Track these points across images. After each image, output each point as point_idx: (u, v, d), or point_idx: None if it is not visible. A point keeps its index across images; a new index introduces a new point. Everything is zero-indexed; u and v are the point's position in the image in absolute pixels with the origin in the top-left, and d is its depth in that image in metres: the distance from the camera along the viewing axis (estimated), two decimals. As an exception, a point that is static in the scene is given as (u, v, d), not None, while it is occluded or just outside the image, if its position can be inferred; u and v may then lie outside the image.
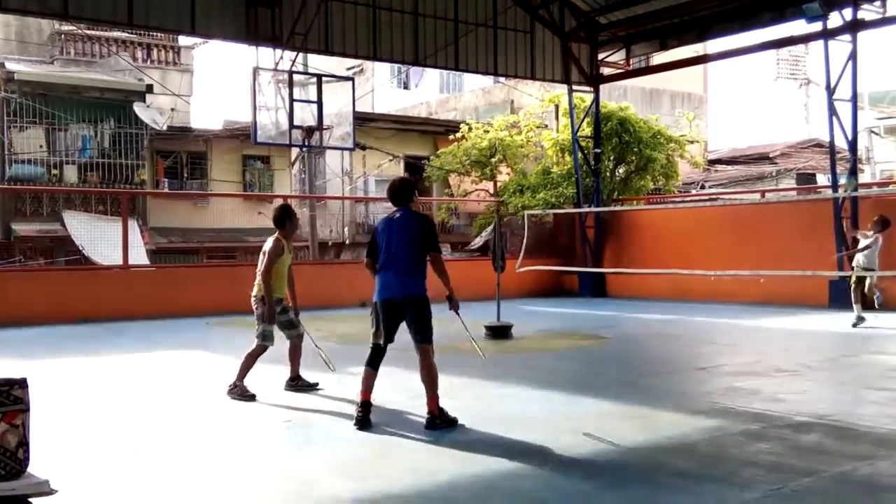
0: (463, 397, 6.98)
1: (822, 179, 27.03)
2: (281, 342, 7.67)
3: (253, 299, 7.55)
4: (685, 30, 19.05)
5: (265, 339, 7.38)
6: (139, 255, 18.85)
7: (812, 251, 15.06)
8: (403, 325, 6.16)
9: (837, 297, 14.60)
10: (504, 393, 7.48)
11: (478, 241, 22.79)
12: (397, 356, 6.69)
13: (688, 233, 18.14)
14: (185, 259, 22.56)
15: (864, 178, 26.07)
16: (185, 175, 25.29)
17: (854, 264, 12.70)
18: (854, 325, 12.07)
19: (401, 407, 6.76)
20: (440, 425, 5.87)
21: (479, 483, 4.68)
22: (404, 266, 6.08)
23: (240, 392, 7.21)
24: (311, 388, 7.55)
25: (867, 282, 12.48)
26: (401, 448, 5.53)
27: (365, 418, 5.96)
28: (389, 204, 6.46)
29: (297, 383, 7.59)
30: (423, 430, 5.87)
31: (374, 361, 6.16)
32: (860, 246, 12.52)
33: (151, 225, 23.21)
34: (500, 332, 11.43)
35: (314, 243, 22.15)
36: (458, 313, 6.49)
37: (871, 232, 12.48)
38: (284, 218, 7.48)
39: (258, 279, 7.48)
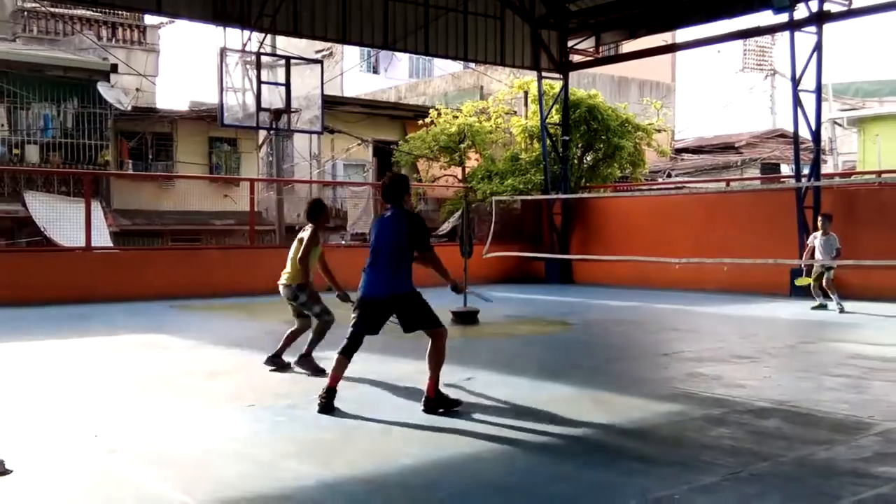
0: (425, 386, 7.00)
1: (786, 169, 27.41)
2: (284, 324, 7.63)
3: (286, 288, 7.74)
4: (654, 19, 19.14)
5: (327, 314, 7.66)
6: (102, 237, 18.59)
7: (775, 240, 15.29)
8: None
9: (804, 288, 14.84)
10: (469, 378, 7.50)
11: (445, 227, 22.79)
12: (372, 343, 6.68)
13: (654, 221, 18.31)
14: (149, 242, 22.28)
15: (827, 168, 26.44)
16: (150, 156, 24.94)
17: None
18: (840, 311, 12.61)
19: (367, 392, 6.77)
20: (437, 407, 5.94)
21: (441, 467, 4.70)
22: (388, 264, 6.13)
23: (309, 367, 7.51)
24: (284, 367, 7.72)
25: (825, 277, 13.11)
26: (364, 432, 5.54)
27: (328, 404, 5.97)
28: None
29: (275, 360, 7.77)
30: (400, 412, 5.88)
31: (349, 350, 6.19)
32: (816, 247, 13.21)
33: (115, 207, 22.87)
34: (466, 318, 11.46)
35: (281, 228, 22.02)
36: (474, 294, 6.76)
37: (821, 232, 13.08)
38: (317, 211, 7.85)
39: (288, 266, 7.73)
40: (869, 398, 6.49)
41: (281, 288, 7.77)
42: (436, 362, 6.07)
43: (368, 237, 6.37)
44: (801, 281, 13.50)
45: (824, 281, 13.07)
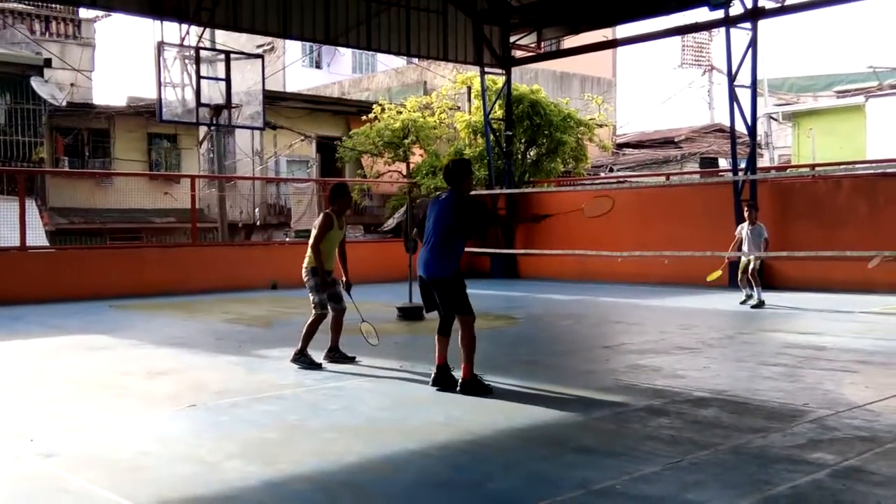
0: (375, 378, 6.99)
1: (724, 163, 27.96)
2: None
3: (304, 271, 7.85)
4: (595, 15, 19.33)
5: (322, 308, 7.67)
6: (38, 237, 18.14)
7: (713, 232, 15.59)
8: None
9: (737, 277, 15.16)
10: (415, 374, 7.51)
11: (390, 223, 22.75)
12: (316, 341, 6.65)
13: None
14: (87, 240, 21.81)
15: (763, 162, 27.05)
16: (87, 153, 24.41)
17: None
18: (753, 306, 12.67)
19: (311, 391, 6.74)
20: (472, 390, 6.31)
21: (387, 464, 4.70)
22: (435, 247, 6.47)
23: (306, 362, 7.52)
24: (348, 360, 7.83)
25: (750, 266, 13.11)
26: (309, 431, 5.50)
27: (438, 378, 6.56)
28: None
29: (334, 355, 7.85)
30: (343, 412, 5.84)
31: (443, 328, 6.68)
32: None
33: (51, 205, 22.35)
34: (411, 314, 11.46)
35: (223, 225, 21.73)
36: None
37: (747, 223, 13.04)
38: (335, 195, 7.91)
39: (308, 251, 7.80)
40: (804, 386, 6.65)
41: (302, 271, 7.87)
42: (467, 348, 6.40)
43: (424, 216, 6.68)
44: (711, 276, 13.32)
45: (750, 270, 12.99)
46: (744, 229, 13.07)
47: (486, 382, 6.48)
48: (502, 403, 6.10)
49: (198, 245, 17.93)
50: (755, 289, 12.87)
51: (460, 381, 6.40)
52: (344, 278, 7.94)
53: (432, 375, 6.64)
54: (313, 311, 7.68)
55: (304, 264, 7.85)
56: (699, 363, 7.89)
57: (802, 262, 14.85)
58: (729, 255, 13.42)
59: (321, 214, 7.91)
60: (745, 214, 13.18)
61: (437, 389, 6.49)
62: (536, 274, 19.28)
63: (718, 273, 13.33)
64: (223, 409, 6.14)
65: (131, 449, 5.06)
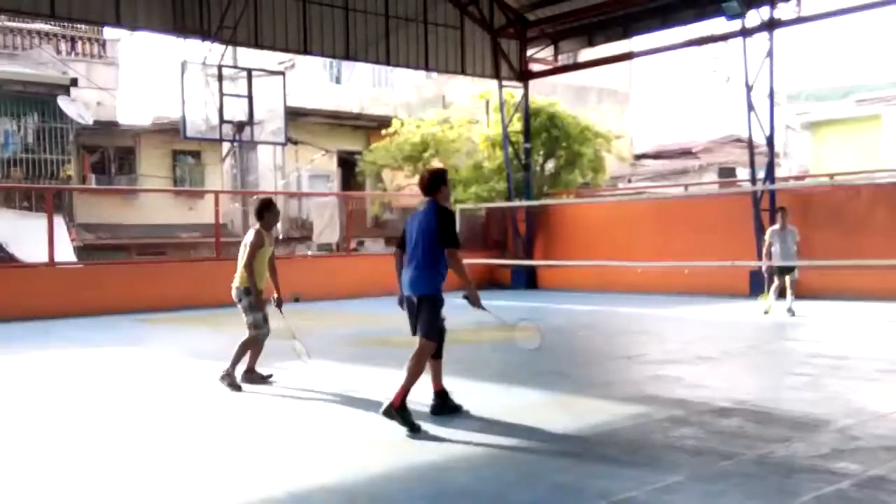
0: (394, 390, 7.07)
1: (743, 173, 27.88)
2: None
3: (234, 290, 7.60)
4: (611, 27, 19.42)
5: (257, 328, 7.50)
6: (66, 253, 18.38)
7: (733, 242, 15.58)
8: None
9: (757, 286, 15.14)
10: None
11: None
12: (340, 353, 6.75)
13: (615, 226, 18.55)
14: (113, 256, 22.07)
15: (781, 172, 26.95)
16: (113, 170, 24.72)
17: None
18: (765, 312, 12.58)
19: (333, 403, 6.82)
20: (395, 417, 5.69)
21: (409, 475, 4.76)
22: (422, 262, 6.06)
23: (229, 382, 7.34)
24: (263, 380, 7.63)
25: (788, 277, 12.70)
26: (331, 443, 5.57)
27: (440, 406, 6.16)
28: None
29: (251, 376, 7.66)
30: (366, 423, 5.90)
31: (436, 352, 6.25)
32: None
33: (78, 221, 22.63)
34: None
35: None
36: (481, 307, 6.45)
37: (778, 226, 12.81)
38: (262, 210, 7.63)
39: (240, 270, 7.56)
40: (827, 396, 6.64)
41: (232, 290, 7.64)
42: (413, 374, 5.92)
43: (404, 230, 6.25)
44: (766, 308, 12.76)
45: (788, 282, 12.64)
46: (775, 234, 12.79)
47: (415, 422, 5.74)
48: (523, 414, 6.14)
49: (222, 259, 18.09)
50: (781, 296, 12.60)
51: (387, 403, 5.72)
52: (275, 294, 7.73)
53: (432, 404, 6.18)
54: (248, 332, 7.49)
55: (235, 283, 7.56)
56: (721, 373, 7.91)
57: (823, 271, 14.81)
58: (766, 265, 13.20)
59: (252, 231, 7.56)
60: (778, 216, 12.93)
61: (382, 413, 5.75)
62: (556, 285, 19.30)
63: (769, 304, 12.76)
64: (244, 420, 6.23)
65: (148, 459, 5.16)
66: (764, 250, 13.15)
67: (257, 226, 7.60)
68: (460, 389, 7.31)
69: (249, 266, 7.43)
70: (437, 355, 6.24)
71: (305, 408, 6.72)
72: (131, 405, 6.98)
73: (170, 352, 10.27)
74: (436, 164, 23.51)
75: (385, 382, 7.01)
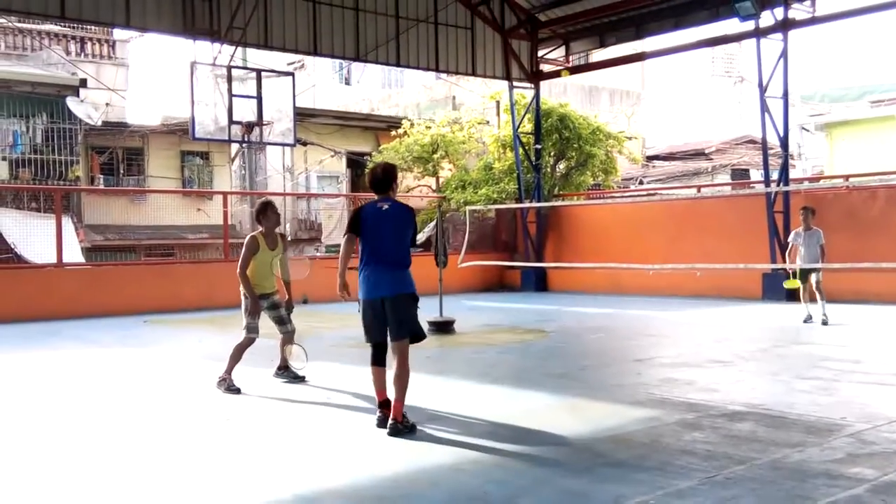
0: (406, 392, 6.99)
1: (756, 175, 27.72)
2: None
3: (241, 292, 7.58)
4: (622, 27, 19.35)
5: (250, 332, 7.48)
6: (74, 253, 18.39)
7: (746, 245, 15.45)
8: None
9: (770, 289, 15.00)
10: (446, 387, 7.52)
11: (420, 237, 22.80)
12: (344, 355, 6.68)
13: (627, 228, 18.45)
14: (121, 257, 22.08)
15: (796, 173, 26.78)
16: (122, 171, 24.76)
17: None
18: (823, 322, 11.81)
19: (340, 405, 6.76)
20: (404, 432, 5.58)
21: (422, 479, 4.71)
22: (397, 261, 5.85)
23: (227, 386, 7.30)
24: (297, 380, 7.67)
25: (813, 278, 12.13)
26: (340, 446, 5.52)
27: (382, 418, 5.75)
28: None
29: (282, 372, 7.78)
30: (376, 430, 5.78)
31: (380, 359, 5.94)
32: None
33: (86, 222, 22.64)
34: (442, 328, 11.47)
35: (255, 240, 21.86)
36: None
37: (803, 227, 12.18)
38: (258, 213, 7.62)
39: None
40: (840, 400, 6.57)
41: None
42: (405, 381, 5.74)
43: (359, 223, 5.88)
44: (790, 283, 12.27)
45: (813, 284, 12.06)
46: (799, 236, 12.19)
47: (411, 421, 5.72)
48: (533, 417, 6.08)
49: (230, 260, 18.08)
50: (820, 302, 11.95)
51: (391, 421, 5.58)
52: (286, 297, 7.69)
53: (378, 417, 5.80)
54: (242, 334, 7.47)
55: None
56: (733, 376, 7.82)
57: (837, 274, 14.62)
58: (790, 267, 12.46)
59: (248, 236, 7.54)
60: (801, 218, 12.19)
61: (391, 434, 5.57)
62: (567, 287, 19.21)
63: (797, 283, 12.20)
64: (256, 421, 6.18)
65: (161, 461, 5.11)
66: (790, 254, 12.43)
67: (257, 230, 7.57)
68: (472, 392, 7.26)
69: (243, 273, 7.40)
70: (383, 362, 5.93)
71: (312, 410, 6.66)
72: (137, 406, 6.95)
73: (177, 353, 10.25)
74: (446, 165, 23.51)
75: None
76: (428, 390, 7.35)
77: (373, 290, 5.80)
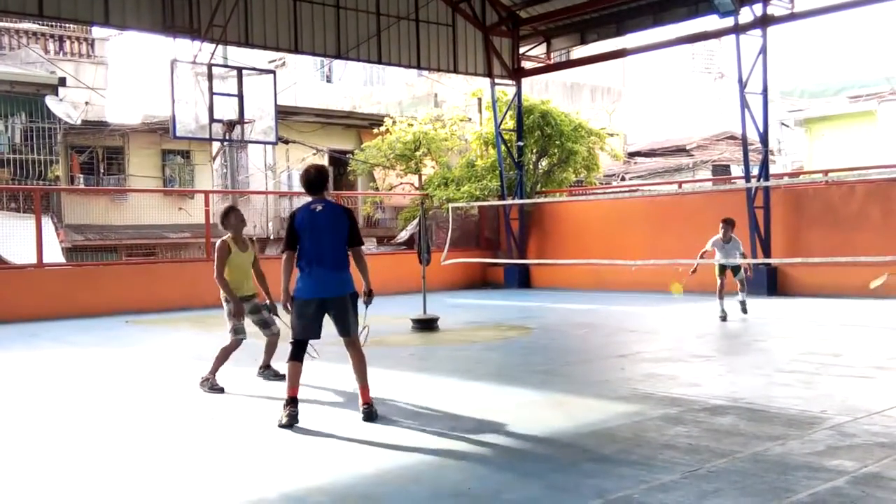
0: (389, 390, 7.01)
1: (737, 170, 27.89)
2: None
3: (222, 296, 7.57)
4: (603, 24, 19.41)
5: (237, 334, 7.48)
6: (54, 254, 18.27)
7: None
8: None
9: (750, 284, 15.07)
10: (430, 384, 7.53)
11: (403, 235, 22.80)
12: (333, 353, 6.67)
13: (609, 224, 18.52)
14: (102, 257, 21.96)
15: (776, 169, 26.96)
16: (102, 171, 24.60)
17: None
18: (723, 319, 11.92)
19: (324, 403, 6.76)
20: (376, 413, 5.96)
21: (405, 475, 4.71)
22: (337, 261, 6.01)
23: (210, 385, 7.31)
24: (278, 377, 7.61)
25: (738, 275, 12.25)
26: (325, 444, 5.52)
27: (295, 415, 5.89)
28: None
29: (265, 371, 7.81)
30: (361, 423, 5.87)
31: (301, 355, 6.08)
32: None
33: (67, 222, 22.49)
34: (426, 325, 11.48)
35: (237, 239, 21.78)
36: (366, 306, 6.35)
37: (721, 237, 12.11)
38: (223, 218, 7.62)
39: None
40: (821, 393, 6.62)
41: None
42: (365, 370, 6.08)
43: (295, 230, 5.96)
44: (676, 288, 12.49)
45: (736, 281, 12.21)
46: (716, 245, 12.14)
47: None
48: (518, 414, 6.10)
49: (212, 260, 18.03)
50: (741, 294, 12.16)
51: (366, 406, 5.97)
52: (266, 300, 7.68)
53: (287, 414, 5.84)
54: (229, 337, 7.48)
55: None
56: (715, 371, 7.88)
57: (816, 269, 14.80)
58: (698, 262, 12.34)
59: (218, 242, 7.56)
60: (721, 227, 12.11)
61: (366, 419, 5.91)
62: (550, 284, 19.26)
63: (680, 289, 12.49)
64: (240, 420, 6.16)
65: (147, 459, 5.09)
66: (700, 254, 12.39)
67: (227, 235, 7.55)
68: (455, 388, 7.27)
69: (220, 277, 7.42)
70: (301, 358, 6.07)
71: (304, 405, 6.63)
72: (120, 407, 6.91)
73: (160, 353, 10.20)
74: (428, 162, 23.50)
75: (379, 382, 6.93)
76: (412, 387, 7.36)
77: (318, 290, 5.96)
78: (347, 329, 6.04)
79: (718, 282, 12.19)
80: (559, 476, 4.60)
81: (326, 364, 7.70)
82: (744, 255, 12.30)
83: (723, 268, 12.24)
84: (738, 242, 12.32)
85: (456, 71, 20.26)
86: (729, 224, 12.21)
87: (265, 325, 7.71)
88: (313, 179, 6.13)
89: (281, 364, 7.67)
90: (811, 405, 6.13)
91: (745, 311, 12.28)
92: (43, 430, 6.09)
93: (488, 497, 4.30)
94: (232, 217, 7.59)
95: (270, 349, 7.76)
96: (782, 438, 5.20)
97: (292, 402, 5.93)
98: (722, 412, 5.98)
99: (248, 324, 7.61)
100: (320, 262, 5.95)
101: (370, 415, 5.94)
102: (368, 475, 4.71)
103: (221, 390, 7.21)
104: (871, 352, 8.84)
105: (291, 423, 5.82)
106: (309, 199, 6.21)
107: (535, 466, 4.81)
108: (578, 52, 22.62)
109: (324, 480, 4.63)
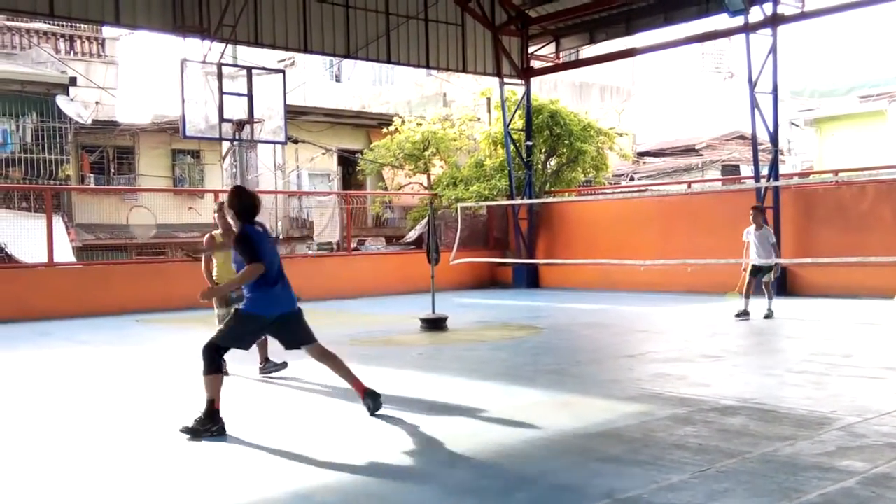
0: (398, 389, 7.02)
1: (746, 170, 27.78)
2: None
3: (214, 302, 7.87)
4: (613, 23, 19.38)
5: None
6: (65, 253, 18.32)
7: (736, 240, 15.45)
8: None
9: (760, 284, 15.03)
10: (439, 384, 7.54)
11: (412, 235, 22.80)
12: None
13: (618, 224, 18.48)
14: (112, 256, 22.01)
15: (786, 168, 26.87)
16: (112, 170, 24.67)
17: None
18: (767, 317, 11.96)
19: (327, 402, 6.76)
20: (377, 395, 6.01)
21: (413, 474, 4.72)
22: (286, 278, 6.06)
23: (272, 367, 7.73)
24: (279, 367, 7.88)
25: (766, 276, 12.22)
26: (333, 441, 5.52)
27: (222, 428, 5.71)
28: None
29: (265, 366, 7.96)
30: (367, 421, 5.88)
31: (222, 365, 6.17)
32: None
33: (77, 222, 22.56)
34: (434, 325, 11.49)
35: (246, 238, 21.81)
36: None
37: (753, 227, 12.22)
38: (215, 213, 7.87)
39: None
40: (831, 394, 6.60)
41: None
42: (345, 368, 6.12)
43: (258, 245, 5.87)
44: (732, 296, 12.56)
45: (766, 280, 12.15)
46: (750, 234, 12.26)
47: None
48: (527, 413, 6.10)
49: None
50: (770, 300, 12.15)
51: (366, 394, 6.00)
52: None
53: (213, 426, 5.65)
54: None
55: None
56: (725, 371, 7.86)
57: (827, 269, 14.73)
58: (744, 264, 12.43)
59: (206, 236, 7.84)
60: (751, 218, 12.32)
61: (375, 412, 5.97)
62: (558, 284, 19.24)
63: (736, 295, 12.41)
64: (243, 419, 6.17)
65: (135, 471, 5.11)
66: (744, 251, 12.40)
67: (217, 230, 7.79)
68: (464, 388, 7.27)
69: (207, 272, 7.68)
70: (222, 369, 6.06)
71: (305, 406, 6.67)
72: (128, 405, 6.94)
73: (169, 353, 10.23)
74: (437, 162, 23.51)
75: (387, 382, 6.95)
76: (420, 387, 7.36)
77: (281, 306, 5.95)
78: (311, 334, 6.12)
79: (748, 279, 12.12)
80: (568, 476, 4.59)
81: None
82: (775, 246, 12.21)
83: (756, 269, 12.13)
84: (770, 230, 12.36)
85: (465, 70, 20.26)
86: (758, 210, 12.37)
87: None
88: (256, 205, 6.05)
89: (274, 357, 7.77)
90: (821, 405, 6.11)
91: (768, 317, 12.00)
92: (54, 430, 6.12)
93: (496, 496, 4.30)
94: (218, 212, 7.93)
95: (263, 344, 7.84)
96: (792, 439, 5.18)
97: (218, 412, 5.74)
98: (732, 412, 5.97)
99: None
100: (280, 279, 5.96)
101: (374, 398, 5.99)
102: (377, 473, 4.73)
103: (225, 373, 7.33)
104: (882, 352, 8.81)
105: (218, 433, 5.64)
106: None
107: (543, 466, 4.81)
108: (588, 51, 22.58)
109: (332, 478, 4.63)
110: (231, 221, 6.14)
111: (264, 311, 5.91)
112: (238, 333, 5.92)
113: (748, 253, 12.39)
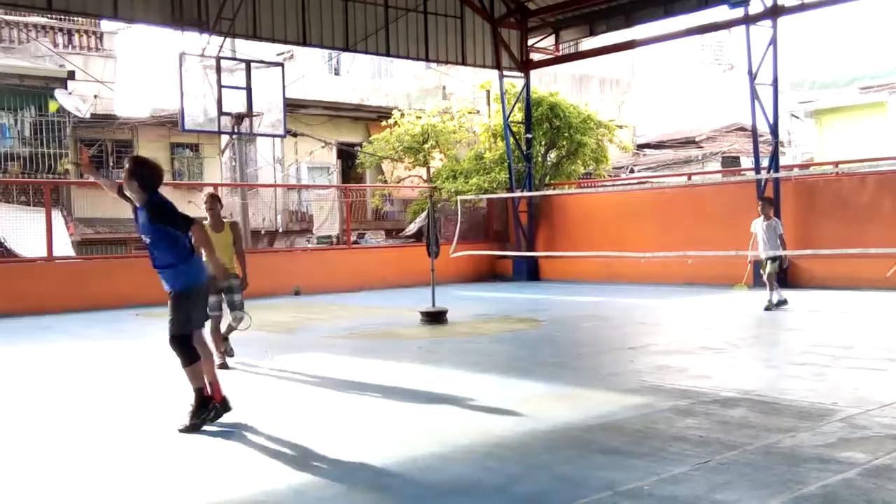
0: (398, 382, 7.01)
1: (746, 162, 27.77)
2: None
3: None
4: (612, 15, 19.30)
5: (212, 311, 7.69)
6: (64, 247, 18.33)
7: (736, 232, 15.45)
8: None
9: (760, 276, 15.03)
10: (439, 377, 7.52)
11: (412, 228, 22.79)
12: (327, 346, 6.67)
13: (618, 216, 18.47)
14: (112, 250, 22.02)
15: (786, 160, 26.85)
16: (111, 164, 24.65)
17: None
18: (766, 308, 11.91)
19: (328, 394, 6.75)
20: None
21: (412, 467, 4.70)
22: None
23: (219, 363, 7.62)
24: (230, 354, 8.17)
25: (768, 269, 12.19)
26: (329, 435, 5.51)
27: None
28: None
29: (227, 349, 8.20)
30: (366, 414, 5.84)
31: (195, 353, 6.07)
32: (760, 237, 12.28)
33: (76, 215, 22.56)
34: (434, 318, 11.47)
35: (246, 232, 21.85)
36: None
37: (762, 218, 12.22)
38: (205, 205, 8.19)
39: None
40: (832, 385, 6.59)
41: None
42: (211, 363, 6.17)
43: (175, 213, 5.96)
44: (739, 288, 12.60)
45: (767, 274, 12.12)
46: (758, 225, 12.29)
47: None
48: (526, 405, 6.09)
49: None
50: (771, 292, 12.05)
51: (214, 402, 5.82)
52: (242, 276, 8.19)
53: (207, 413, 5.73)
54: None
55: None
56: (726, 363, 7.85)
57: (828, 261, 14.72)
58: (750, 255, 12.69)
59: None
60: (759, 209, 12.41)
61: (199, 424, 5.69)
62: (559, 276, 19.23)
63: (743, 287, 12.72)
64: (241, 412, 6.16)
65: (137, 468, 5.10)
66: (751, 243, 12.46)
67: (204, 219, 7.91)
68: (464, 381, 7.26)
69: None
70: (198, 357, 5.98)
71: (304, 400, 6.65)
72: (126, 398, 6.94)
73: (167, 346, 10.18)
74: (436, 155, 23.47)
75: (387, 374, 6.95)
76: (420, 379, 7.35)
77: (205, 272, 6.11)
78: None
79: (768, 269, 12.05)
80: (569, 468, 4.58)
81: (335, 356, 7.73)
82: (782, 237, 12.17)
83: (773, 260, 12.10)
84: (778, 222, 12.33)
85: (464, 63, 20.22)
86: (766, 201, 12.39)
87: (232, 306, 8.08)
88: (161, 177, 5.94)
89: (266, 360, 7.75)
90: (822, 397, 6.10)
91: (769, 308, 11.93)
92: (53, 424, 6.11)
93: (497, 489, 4.29)
94: (208, 202, 8.16)
95: (219, 333, 7.98)
96: (793, 430, 5.17)
97: (208, 402, 5.75)
98: (732, 404, 5.96)
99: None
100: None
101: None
102: (374, 466, 4.70)
103: (226, 366, 7.63)
104: (883, 344, 8.79)
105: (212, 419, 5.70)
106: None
107: (544, 458, 4.79)
108: (587, 43, 22.51)
109: (329, 472, 4.63)
110: (133, 195, 5.85)
111: (197, 280, 5.98)
112: (186, 314, 5.92)
113: (755, 245, 12.39)
